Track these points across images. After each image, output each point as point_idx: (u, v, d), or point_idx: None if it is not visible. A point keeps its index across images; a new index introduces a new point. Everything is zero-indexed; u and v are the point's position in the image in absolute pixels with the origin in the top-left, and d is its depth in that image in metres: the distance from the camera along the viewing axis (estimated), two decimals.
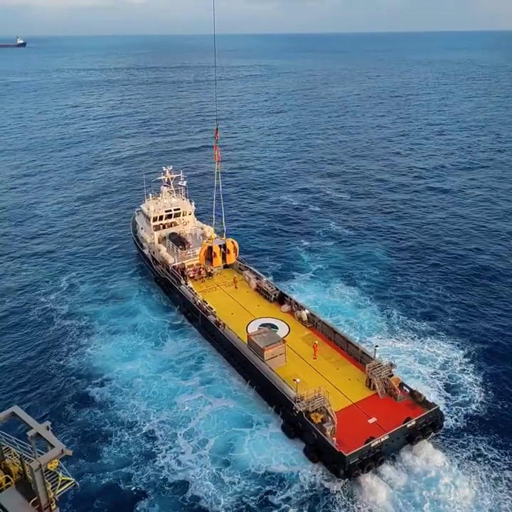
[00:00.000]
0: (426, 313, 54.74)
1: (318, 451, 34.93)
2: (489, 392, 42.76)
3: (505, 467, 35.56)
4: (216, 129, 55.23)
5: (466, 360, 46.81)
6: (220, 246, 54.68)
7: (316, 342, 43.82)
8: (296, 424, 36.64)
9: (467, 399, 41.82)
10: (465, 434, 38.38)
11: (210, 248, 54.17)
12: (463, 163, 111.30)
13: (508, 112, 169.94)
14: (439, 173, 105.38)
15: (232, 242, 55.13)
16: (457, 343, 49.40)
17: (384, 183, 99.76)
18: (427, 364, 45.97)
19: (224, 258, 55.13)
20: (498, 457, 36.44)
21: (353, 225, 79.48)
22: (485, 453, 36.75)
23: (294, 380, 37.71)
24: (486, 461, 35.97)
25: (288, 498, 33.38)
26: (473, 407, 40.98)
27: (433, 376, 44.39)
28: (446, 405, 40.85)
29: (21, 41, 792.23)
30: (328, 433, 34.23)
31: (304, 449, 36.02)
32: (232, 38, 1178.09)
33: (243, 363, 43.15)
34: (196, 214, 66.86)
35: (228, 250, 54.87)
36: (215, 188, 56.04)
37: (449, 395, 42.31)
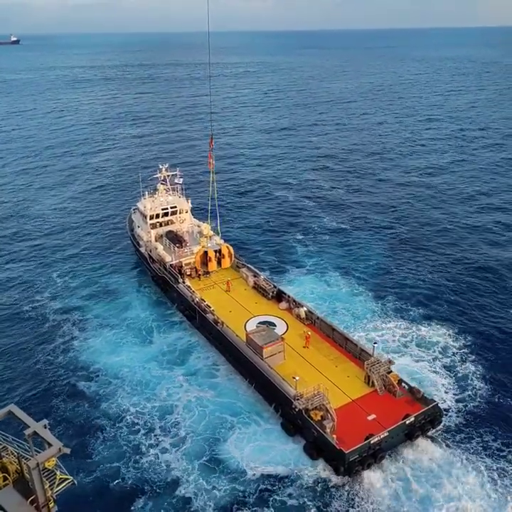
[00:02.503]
0: (421, 301, 55.50)
1: (318, 448, 34.82)
2: (488, 382, 42.84)
3: (509, 459, 35.49)
4: (211, 137, 56.22)
5: (465, 350, 47.01)
6: (215, 251, 55.74)
7: (309, 333, 44.29)
8: (296, 422, 36.51)
9: (466, 390, 41.85)
10: (464, 427, 38.31)
11: (206, 253, 55.40)
12: (457, 156, 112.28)
13: (502, 107, 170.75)
14: (433, 165, 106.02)
15: (227, 248, 56.93)
16: (454, 330, 49.84)
17: (378, 176, 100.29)
18: (424, 352, 46.49)
19: (219, 263, 56.28)
20: (501, 449, 36.40)
21: (347, 218, 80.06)
22: (486, 445, 36.68)
23: (294, 377, 37.56)
24: (488, 454, 35.90)
25: (287, 494, 33.17)
26: (472, 398, 40.99)
27: (431, 364, 44.77)
28: (445, 397, 40.95)
29: (15, 39, 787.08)
30: (328, 430, 34.13)
31: (304, 447, 35.89)
32: (231, 35, 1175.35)
33: (242, 361, 42.98)
34: (192, 211, 66.74)
35: (223, 255, 56.16)
36: (210, 197, 57.80)
37: (447, 385, 42.38)
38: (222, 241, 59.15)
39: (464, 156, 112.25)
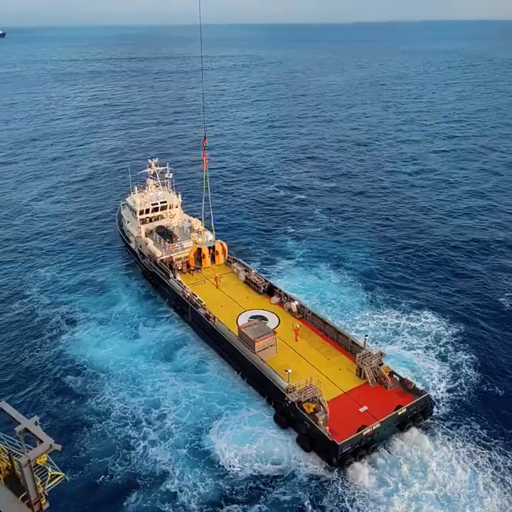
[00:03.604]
0: (411, 292, 56.33)
1: (310, 440, 35.00)
2: (478, 371, 43.57)
3: (497, 449, 35.98)
4: (204, 136, 57.35)
5: (456, 338, 48.01)
6: (209, 248, 55.85)
7: (298, 326, 44.64)
8: (289, 415, 36.64)
9: (457, 379, 42.52)
10: (456, 418, 38.89)
11: (200, 250, 55.44)
12: (447, 151, 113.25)
13: (492, 99, 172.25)
14: (423, 160, 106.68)
15: (221, 244, 57.14)
16: (445, 320, 50.72)
17: (368, 171, 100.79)
18: (416, 341, 47.24)
19: (213, 259, 56.31)
20: (489, 439, 36.94)
21: (337, 212, 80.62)
22: (477, 436, 37.23)
23: (286, 370, 37.66)
24: (478, 444, 36.42)
25: (279, 489, 33.32)
26: (464, 388, 41.68)
27: (422, 352, 45.40)
28: (437, 386, 41.53)
29: (0, 32, 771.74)
30: (321, 422, 34.32)
31: (296, 439, 36.07)
32: (220, 28, 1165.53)
33: (234, 355, 43.00)
34: (183, 205, 66.49)
35: (217, 252, 56.57)
36: (204, 196, 58.76)
37: (439, 374, 43.02)
38: (212, 236, 59.17)
39: (454, 151, 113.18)
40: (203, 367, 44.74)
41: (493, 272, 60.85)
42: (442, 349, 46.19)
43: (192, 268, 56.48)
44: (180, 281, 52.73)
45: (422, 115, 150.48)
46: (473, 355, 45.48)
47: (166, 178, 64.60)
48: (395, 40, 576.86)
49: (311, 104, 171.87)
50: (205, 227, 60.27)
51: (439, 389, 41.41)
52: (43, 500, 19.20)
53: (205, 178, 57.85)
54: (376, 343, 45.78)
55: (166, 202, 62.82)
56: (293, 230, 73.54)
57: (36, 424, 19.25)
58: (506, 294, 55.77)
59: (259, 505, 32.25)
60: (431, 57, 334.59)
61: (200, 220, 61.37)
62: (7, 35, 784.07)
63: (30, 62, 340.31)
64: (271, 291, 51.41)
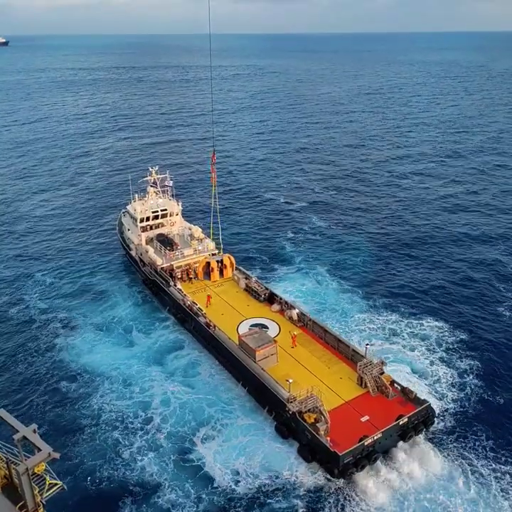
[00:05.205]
0: (410, 298, 56.30)
1: (312, 451, 34.58)
2: (479, 382, 43.09)
3: (499, 461, 35.54)
4: (213, 151, 58.31)
5: (456, 345, 47.63)
6: (217, 261, 56.36)
7: (295, 332, 44.53)
8: (290, 425, 36.25)
9: (457, 391, 41.99)
10: (457, 427, 38.43)
11: (208, 263, 55.84)
12: (446, 157, 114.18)
13: (485, 107, 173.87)
14: (420, 169, 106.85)
15: (229, 258, 57.20)
16: (445, 327, 50.52)
17: (367, 178, 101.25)
18: (415, 346, 47.15)
19: (221, 273, 56.76)
20: (495, 449, 36.48)
21: (337, 219, 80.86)
22: (479, 446, 36.77)
23: (287, 380, 37.34)
24: (480, 456, 35.95)
25: (278, 498, 32.82)
26: (465, 396, 41.23)
27: (421, 359, 45.17)
28: (438, 394, 41.19)
29: (3, 40, 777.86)
30: (322, 433, 33.92)
31: (298, 450, 35.65)
32: (220, 37, 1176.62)
33: (235, 364, 42.70)
34: (185, 213, 66.65)
35: (225, 265, 56.68)
36: (212, 210, 59.36)
37: (440, 382, 42.68)
38: (213, 244, 59.30)
39: (450, 160, 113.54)
40: (198, 371, 44.43)
41: (493, 281, 60.64)
42: (443, 355, 45.92)
43: (191, 276, 56.47)
44: (180, 290, 52.59)
45: (421, 122, 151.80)
46: (475, 363, 45.12)
47: (166, 186, 64.78)
48: (393, 50, 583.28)
49: (311, 114, 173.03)
50: (211, 239, 60.54)
51: (441, 397, 41.00)
52: (41, 510, 18.88)
53: (214, 195, 58.21)
54: (371, 343, 45.42)
55: (166, 210, 62.88)
56: (292, 236, 73.78)
57: (34, 432, 18.99)
58: (505, 304, 55.63)
59: None
60: (429, 67, 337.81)
61: (208, 233, 61.54)
62: (10, 43, 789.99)
63: (32, 70, 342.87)
64: (271, 299, 51.24)
